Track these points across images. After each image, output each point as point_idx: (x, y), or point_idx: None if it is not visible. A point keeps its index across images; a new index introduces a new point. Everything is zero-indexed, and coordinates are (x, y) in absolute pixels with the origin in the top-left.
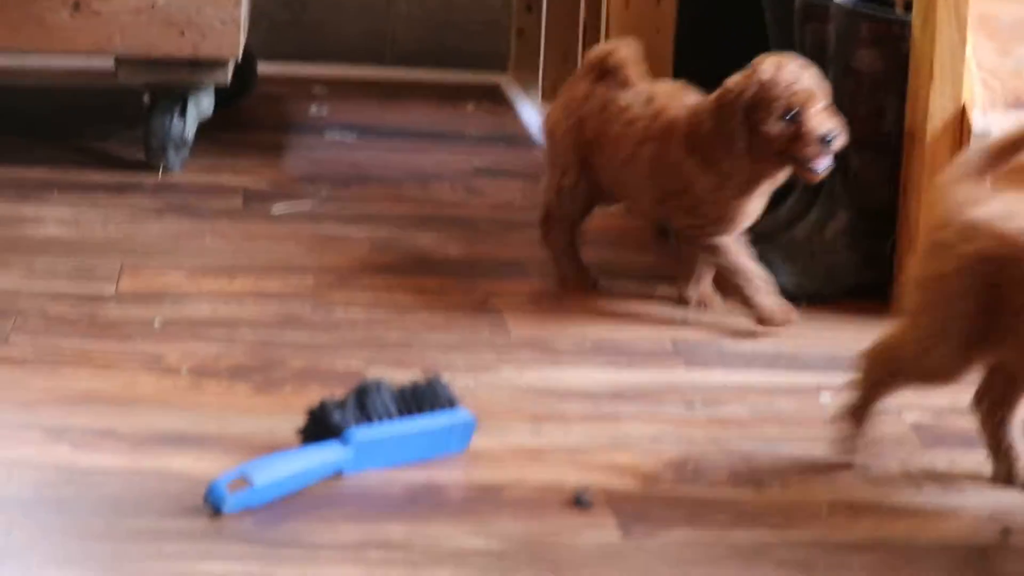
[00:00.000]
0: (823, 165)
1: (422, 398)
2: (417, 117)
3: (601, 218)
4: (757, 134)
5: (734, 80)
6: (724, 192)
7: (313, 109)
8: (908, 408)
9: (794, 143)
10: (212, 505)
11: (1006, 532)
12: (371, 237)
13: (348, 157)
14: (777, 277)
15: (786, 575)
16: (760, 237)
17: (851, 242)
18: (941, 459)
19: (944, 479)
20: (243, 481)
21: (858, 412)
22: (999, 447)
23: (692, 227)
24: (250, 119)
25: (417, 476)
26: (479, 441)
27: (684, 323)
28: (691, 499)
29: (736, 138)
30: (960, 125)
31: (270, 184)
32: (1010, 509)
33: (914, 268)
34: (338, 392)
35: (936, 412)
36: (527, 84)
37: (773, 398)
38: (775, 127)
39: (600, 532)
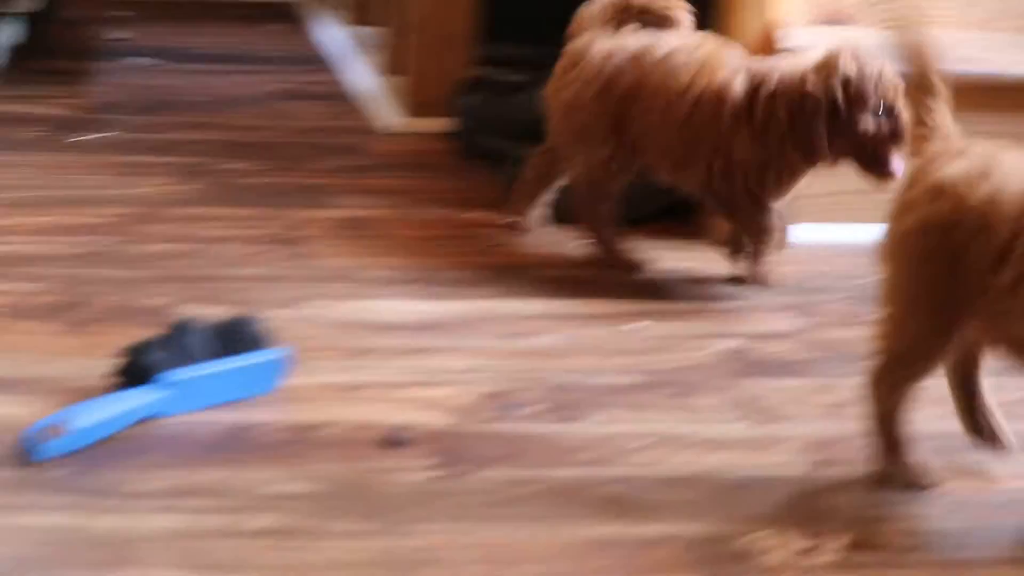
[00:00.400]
0: (900, 164)
1: (235, 337)
2: (219, 40)
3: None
4: (843, 135)
5: (814, 78)
6: (770, 173)
7: (116, 34)
8: (724, 336)
9: (884, 140)
10: (26, 453)
11: (823, 464)
12: (178, 165)
13: (153, 82)
14: None
15: (602, 512)
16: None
17: None
18: (758, 387)
19: (761, 408)
20: (57, 428)
21: (891, 440)
22: (969, 406)
23: (720, 190)
24: (54, 46)
25: (231, 417)
26: (293, 379)
27: (491, 250)
28: (508, 435)
29: (818, 137)
30: (770, 41)
31: (76, 112)
32: (828, 439)
33: (890, 222)
34: (151, 331)
35: (752, 338)
36: (331, 3)
37: (586, 326)
38: (869, 124)
39: (417, 472)
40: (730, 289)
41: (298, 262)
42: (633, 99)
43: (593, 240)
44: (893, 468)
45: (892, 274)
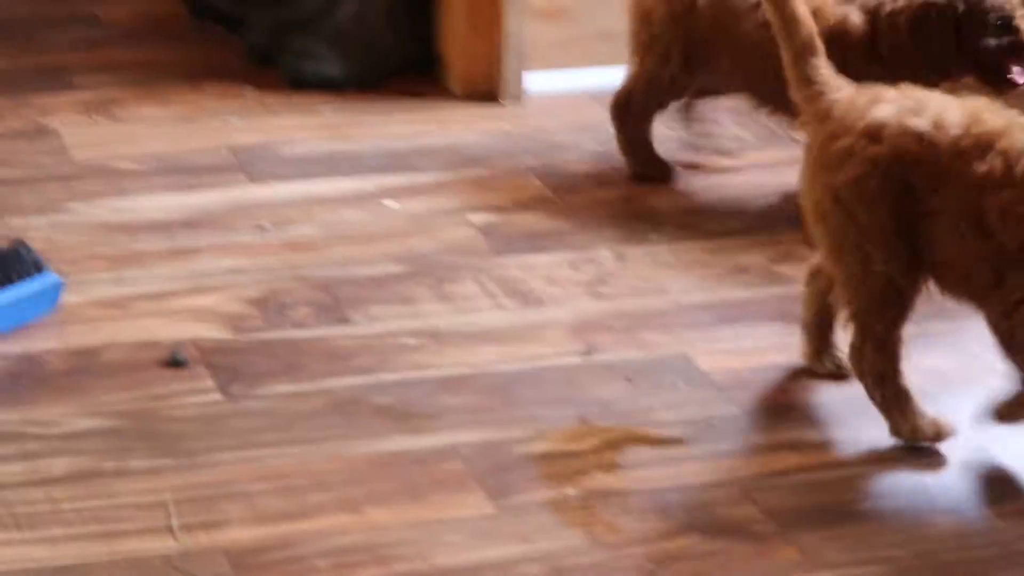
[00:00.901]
0: (1022, 75)
1: (8, 265)
2: None
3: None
4: (964, 48)
5: None
6: None
7: None
8: (475, 210)
9: (1007, 54)
10: None
11: (589, 351)
12: None
13: None
14: (321, 67)
15: (383, 423)
16: (299, 26)
17: (394, 22)
18: (515, 267)
19: (522, 292)
20: None
21: (899, 399)
22: (818, 330)
23: None
24: None
25: (13, 348)
26: (67, 297)
27: (237, 128)
28: (282, 344)
29: (944, 53)
30: None
31: None
32: (590, 323)
33: (815, 184)
34: None
35: (502, 211)
36: None
37: (339, 210)
38: (991, 41)
39: (201, 395)
40: (473, 153)
41: (50, 158)
42: (721, 30)
43: (624, 144)
44: (905, 424)
45: (835, 230)
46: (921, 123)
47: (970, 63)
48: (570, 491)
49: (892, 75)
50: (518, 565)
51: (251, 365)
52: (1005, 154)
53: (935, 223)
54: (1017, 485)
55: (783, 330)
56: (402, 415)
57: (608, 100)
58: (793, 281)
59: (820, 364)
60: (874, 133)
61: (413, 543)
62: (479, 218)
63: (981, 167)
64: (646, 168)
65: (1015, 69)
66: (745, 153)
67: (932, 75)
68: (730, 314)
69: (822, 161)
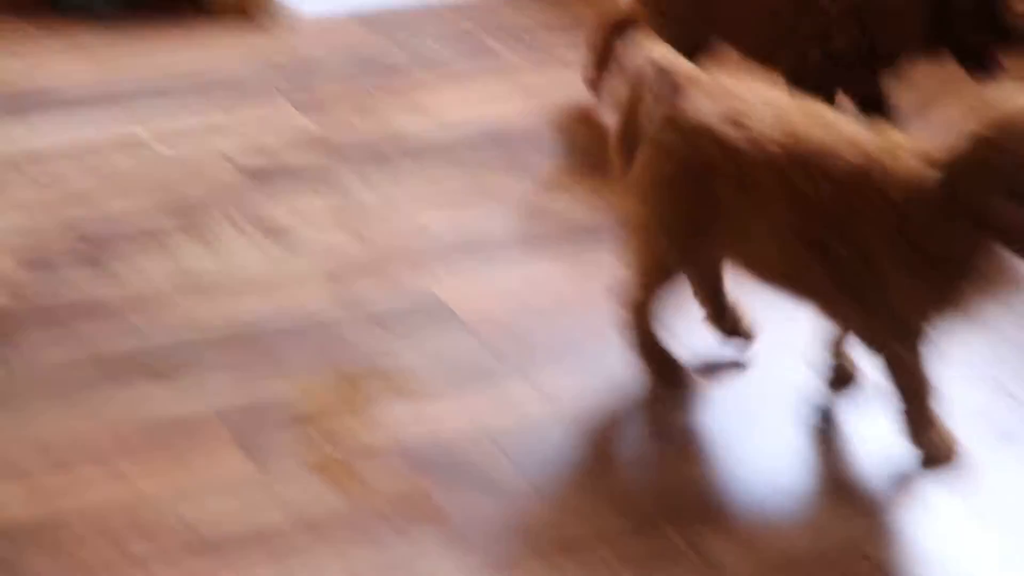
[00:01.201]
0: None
1: None
2: None
3: None
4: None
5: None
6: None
7: None
8: (224, 134)
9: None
10: None
11: (348, 303)
12: None
13: None
14: None
15: (149, 387)
16: None
17: None
18: (269, 206)
19: (278, 232)
20: None
21: (661, 360)
22: (719, 309)
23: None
24: None
25: None
26: None
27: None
28: (53, 309)
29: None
30: None
31: None
32: (345, 269)
33: (638, 167)
34: None
35: (262, 150)
36: None
37: (109, 156)
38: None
39: None
40: (226, 75)
41: None
42: None
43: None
44: (666, 385)
45: (647, 211)
46: (737, 135)
47: (952, 48)
48: (329, 450)
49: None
50: (283, 534)
51: (27, 332)
52: (829, 174)
53: (754, 234)
54: None
55: (540, 269)
56: (167, 378)
57: (375, 23)
58: (550, 215)
59: (722, 324)
60: (691, 136)
61: (180, 514)
62: (227, 144)
63: (807, 187)
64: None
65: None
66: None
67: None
68: (483, 252)
69: (649, 143)
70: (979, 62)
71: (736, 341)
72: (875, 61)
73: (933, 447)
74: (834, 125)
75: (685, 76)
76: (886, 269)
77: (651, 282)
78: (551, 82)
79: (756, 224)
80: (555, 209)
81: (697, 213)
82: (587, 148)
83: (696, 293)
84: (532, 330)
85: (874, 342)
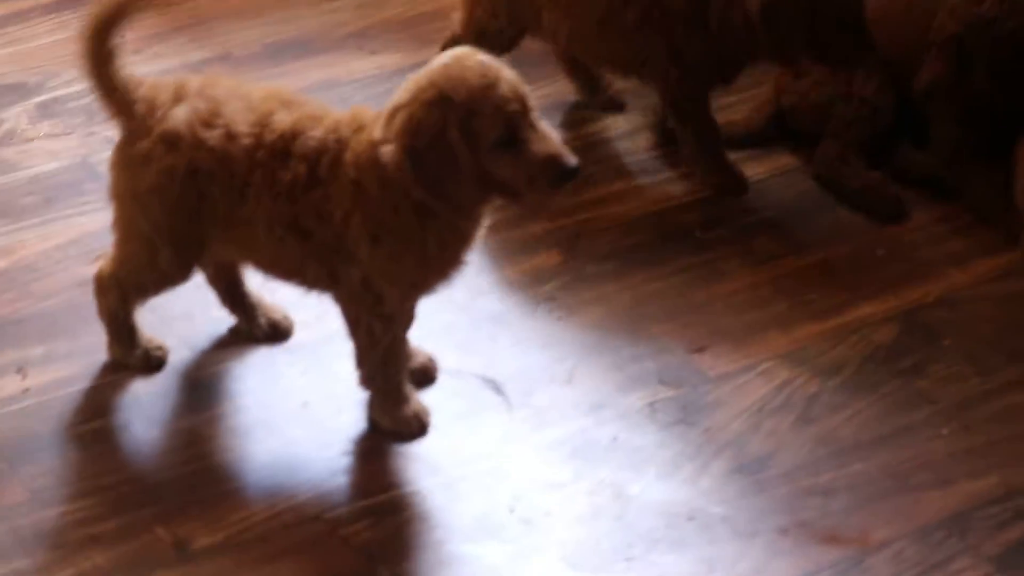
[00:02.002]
0: None
1: None
2: None
3: None
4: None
5: None
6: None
7: None
8: None
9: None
10: None
11: None
12: None
13: None
14: None
15: None
16: None
17: None
18: None
19: None
20: None
21: (123, 335)
22: (242, 308)
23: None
24: None
25: None
26: None
27: None
28: None
29: (794, 40)
30: None
31: None
32: None
33: (116, 181)
34: None
35: None
36: None
37: None
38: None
39: None
40: None
41: None
42: None
43: None
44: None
45: (131, 219)
46: (214, 135)
47: (818, 53)
48: None
49: (722, 54)
50: None
51: None
52: (304, 158)
53: (251, 230)
54: None
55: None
56: None
57: None
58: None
59: (256, 327)
60: (170, 141)
61: None
62: None
63: (285, 175)
64: None
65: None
66: None
67: (774, 60)
68: None
69: (124, 160)
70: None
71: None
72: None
73: (402, 422)
74: (301, 106)
75: (160, 86)
76: (356, 244)
77: (145, 283)
78: None
79: (245, 216)
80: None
81: (189, 217)
82: None
83: (217, 295)
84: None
85: (351, 319)
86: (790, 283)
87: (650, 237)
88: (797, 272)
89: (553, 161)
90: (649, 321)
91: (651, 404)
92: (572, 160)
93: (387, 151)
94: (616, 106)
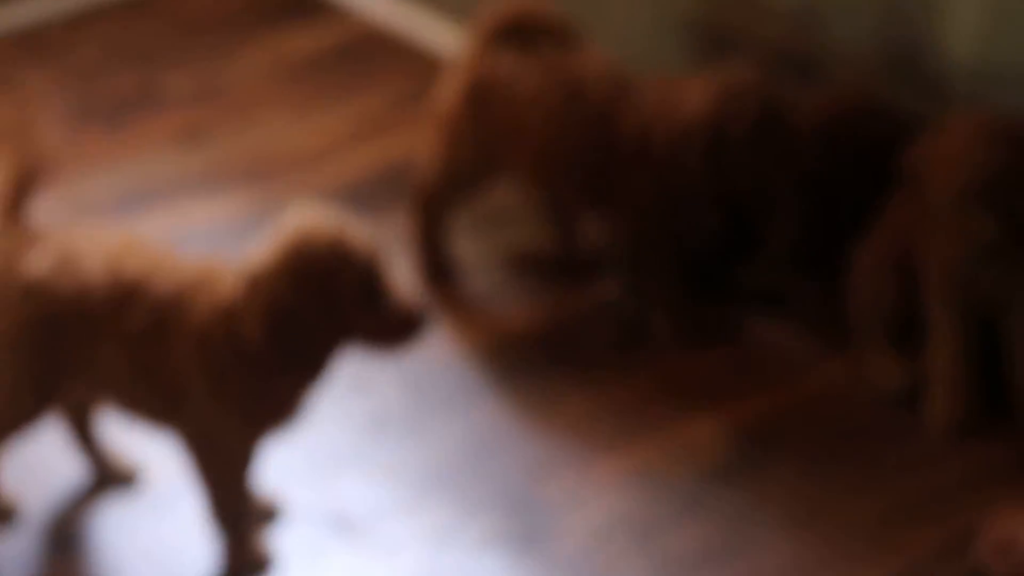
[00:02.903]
0: None
1: None
2: None
3: None
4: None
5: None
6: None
7: None
8: None
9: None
10: None
11: None
12: None
13: None
14: None
15: None
16: None
17: None
18: None
19: None
20: None
21: None
22: (93, 450)
23: None
24: None
25: None
26: None
27: None
28: None
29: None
30: None
31: None
32: None
33: None
34: None
35: None
36: None
37: None
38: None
39: None
40: None
41: None
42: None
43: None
44: None
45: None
46: (69, 286)
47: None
48: None
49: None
50: None
51: None
52: (153, 309)
53: (104, 371)
54: None
55: None
56: None
57: None
58: None
59: (109, 468)
60: (29, 291)
61: None
62: None
63: (131, 324)
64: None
65: None
66: None
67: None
68: None
69: None
70: None
71: (116, 481)
72: None
73: (244, 563)
74: (154, 257)
75: (27, 236)
76: (198, 395)
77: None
78: None
79: (101, 360)
80: None
81: (47, 365)
82: None
83: (70, 437)
84: None
85: (195, 460)
86: (624, 402)
87: (494, 368)
88: (630, 390)
89: (410, 313)
90: (492, 450)
91: (495, 532)
92: (425, 311)
93: (247, 326)
94: None
